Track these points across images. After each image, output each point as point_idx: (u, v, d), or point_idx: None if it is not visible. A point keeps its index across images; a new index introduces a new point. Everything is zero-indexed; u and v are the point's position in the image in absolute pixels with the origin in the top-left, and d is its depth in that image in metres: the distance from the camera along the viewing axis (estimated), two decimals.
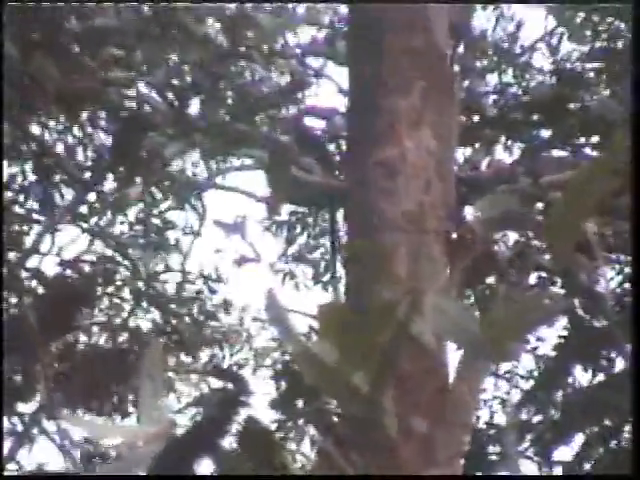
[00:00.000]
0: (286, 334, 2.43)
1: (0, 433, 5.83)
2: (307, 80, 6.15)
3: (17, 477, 7.07)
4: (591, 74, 6.45)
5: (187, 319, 9.85)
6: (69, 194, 8.99)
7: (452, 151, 3.56)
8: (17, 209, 8.89)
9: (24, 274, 8.15)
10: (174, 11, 4.85)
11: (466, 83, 6.47)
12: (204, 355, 10.63)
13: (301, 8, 7.89)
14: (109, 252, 9.53)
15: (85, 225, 9.24)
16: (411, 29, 3.44)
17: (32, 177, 8.92)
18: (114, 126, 6.18)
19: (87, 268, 9.09)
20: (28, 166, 8.90)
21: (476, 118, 6.06)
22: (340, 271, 9.04)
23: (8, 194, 8.89)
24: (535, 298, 2.39)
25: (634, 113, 2.84)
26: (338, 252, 8.76)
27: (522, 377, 8.37)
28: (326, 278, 10.36)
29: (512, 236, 5.46)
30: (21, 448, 8.75)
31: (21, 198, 8.97)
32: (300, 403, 7.35)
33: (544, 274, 6.13)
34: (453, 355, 3.06)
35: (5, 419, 8.61)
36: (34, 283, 8.12)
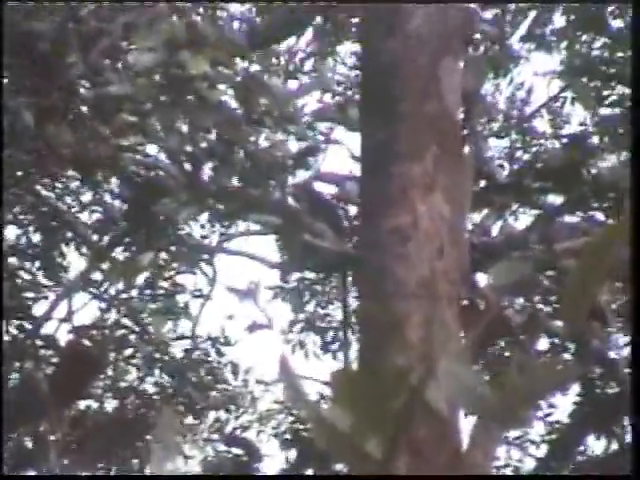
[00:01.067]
0: (299, 400, 2.42)
1: (0, 433, 5.78)
2: (318, 145, 6.19)
3: (17, 477, 6.99)
4: (595, 139, 6.49)
5: (194, 382, 9.82)
6: (79, 260, 9.03)
7: (465, 216, 3.57)
8: (25, 276, 8.91)
9: (38, 341, 8.15)
10: (188, 78, 4.89)
11: (475, 148, 6.50)
12: (210, 418, 10.58)
13: (312, 75, 7.97)
14: (120, 318, 9.53)
15: (96, 291, 9.25)
16: (424, 96, 3.47)
17: (38, 240, 8.96)
18: (127, 192, 6.22)
19: (98, 334, 9.09)
20: (36, 233, 8.95)
21: (486, 183, 6.09)
22: (351, 337, 9.03)
23: (14, 260, 8.93)
24: (548, 365, 2.38)
25: (634, 112, 2.85)
26: (349, 318, 8.75)
27: (534, 443, 8.31)
28: (335, 347, 10.34)
29: (521, 301, 5.45)
30: None
31: (28, 264, 9.01)
32: (311, 470, 7.30)
33: (556, 340, 6.11)
34: (466, 422, 3.04)
35: None
36: (46, 350, 8.12)
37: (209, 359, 10.16)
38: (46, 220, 8.61)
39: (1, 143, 4.96)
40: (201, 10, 6.92)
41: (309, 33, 8.28)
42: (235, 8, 7.80)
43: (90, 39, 4.86)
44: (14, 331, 8.28)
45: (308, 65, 8.38)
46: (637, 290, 2.49)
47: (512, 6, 7.53)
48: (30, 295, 8.79)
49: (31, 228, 8.96)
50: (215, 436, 10.37)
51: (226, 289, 4.57)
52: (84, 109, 5.06)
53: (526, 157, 7.18)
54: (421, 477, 2.85)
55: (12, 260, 8.97)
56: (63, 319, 8.53)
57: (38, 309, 8.85)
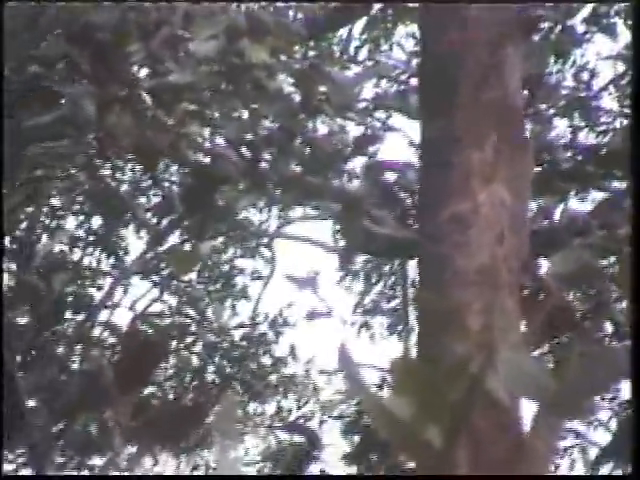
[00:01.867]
0: (359, 389, 2.42)
1: (1, 433, 5.85)
2: (378, 133, 6.17)
3: (17, 477, 7.07)
4: None
5: (254, 366, 9.87)
6: (138, 246, 9.11)
7: (526, 204, 3.54)
8: (87, 262, 9.01)
9: (98, 327, 8.25)
10: (247, 66, 4.91)
11: (538, 133, 6.44)
12: (271, 407, 10.64)
13: (369, 62, 7.95)
14: (180, 305, 9.61)
15: (155, 277, 9.33)
16: (484, 82, 3.44)
17: (98, 225, 9.05)
18: (187, 179, 6.26)
19: (158, 321, 9.18)
20: (96, 218, 9.04)
21: (548, 168, 6.03)
22: (413, 322, 9.00)
23: (76, 249, 9.03)
24: (611, 353, 2.36)
25: (634, 114, 2.81)
26: (410, 304, 8.73)
27: (601, 424, 8.23)
28: (401, 328, 10.33)
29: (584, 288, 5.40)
30: None
31: (90, 251, 9.11)
32: (374, 458, 7.30)
33: (620, 327, 6.04)
34: (528, 410, 3.02)
35: (75, 473, 8.66)
36: (102, 334, 8.21)
37: (268, 341, 10.21)
38: (107, 205, 8.69)
39: (1, 142, 5.02)
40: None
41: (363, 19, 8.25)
42: None
43: (151, 28, 4.89)
44: (74, 317, 8.39)
45: (363, 52, 8.36)
46: (637, 292, 2.45)
47: None
48: (90, 282, 8.90)
49: (90, 212, 9.05)
50: (277, 425, 10.42)
51: (285, 277, 4.59)
52: (145, 98, 5.09)
53: (591, 138, 7.10)
54: (432, 477, 2.84)
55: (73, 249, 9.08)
56: (121, 305, 8.62)
57: (97, 295, 8.97)
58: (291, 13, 6.84)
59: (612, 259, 5.72)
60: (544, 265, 4.41)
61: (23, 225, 8.41)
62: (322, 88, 5.22)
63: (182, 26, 4.90)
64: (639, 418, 2.25)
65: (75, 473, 8.34)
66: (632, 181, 2.32)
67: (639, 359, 2.29)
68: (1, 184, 5.17)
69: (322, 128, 6.02)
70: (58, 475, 7.14)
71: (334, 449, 9.20)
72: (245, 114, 5.41)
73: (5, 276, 8.32)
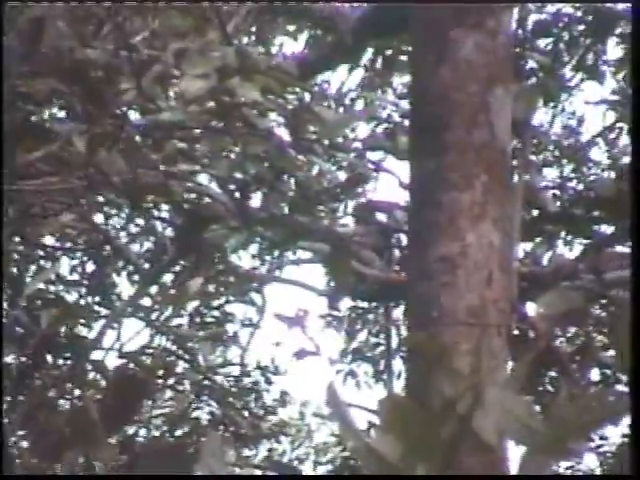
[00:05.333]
0: (346, 429, 2.41)
1: (1, 431, 5.80)
2: (367, 174, 6.20)
3: (17, 477, 7.00)
4: None
5: (245, 412, 9.83)
6: (128, 287, 9.09)
7: (514, 246, 3.55)
8: (76, 301, 8.99)
9: (87, 367, 8.20)
10: (237, 105, 4.93)
11: (526, 177, 6.47)
12: (263, 449, 10.58)
13: (360, 104, 8.00)
14: (169, 344, 9.58)
15: (147, 318, 9.31)
16: (474, 124, 3.46)
17: (90, 268, 9.05)
18: (176, 218, 6.27)
19: (148, 360, 9.14)
20: (88, 262, 9.04)
21: (536, 213, 6.06)
22: (397, 367, 8.99)
23: (63, 288, 9.01)
24: (598, 396, 2.36)
25: (634, 114, 2.82)
26: (396, 348, 8.71)
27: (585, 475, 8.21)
28: (385, 376, 10.32)
29: (572, 330, 5.41)
30: None
31: (81, 290, 9.09)
32: None
33: (608, 371, 6.05)
34: (514, 452, 3.01)
35: None
36: (95, 376, 8.17)
37: (258, 388, 10.17)
38: (98, 248, 8.70)
39: (1, 141, 5.01)
40: (252, 38, 6.97)
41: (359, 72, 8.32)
42: (285, 38, 7.86)
43: (142, 66, 4.92)
44: (62, 359, 8.35)
45: (357, 94, 8.42)
46: (637, 293, 2.46)
47: (566, 35, 7.50)
48: (81, 321, 8.87)
49: (80, 254, 9.05)
50: (267, 467, 10.37)
51: (274, 316, 4.59)
52: (135, 136, 5.11)
53: (579, 187, 7.15)
54: (426, 477, 2.82)
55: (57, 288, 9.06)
56: (112, 347, 8.59)
57: (89, 335, 8.93)
58: (282, 52, 6.89)
59: (599, 303, 5.74)
60: (532, 308, 4.42)
61: (12, 262, 8.39)
62: (312, 128, 5.25)
63: (174, 64, 4.92)
64: (639, 419, 2.24)
65: None
66: (632, 183, 2.33)
67: (639, 360, 2.29)
68: (1, 183, 5.16)
69: (312, 168, 6.05)
70: (58, 475, 7.08)
71: None
72: (235, 153, 5.43)
73: None
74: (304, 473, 9.62)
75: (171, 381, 9.41)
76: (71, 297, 9.08)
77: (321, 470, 10.54)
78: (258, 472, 10.26)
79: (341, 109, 7.77)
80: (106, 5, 5.00)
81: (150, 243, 8.75)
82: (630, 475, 2.29)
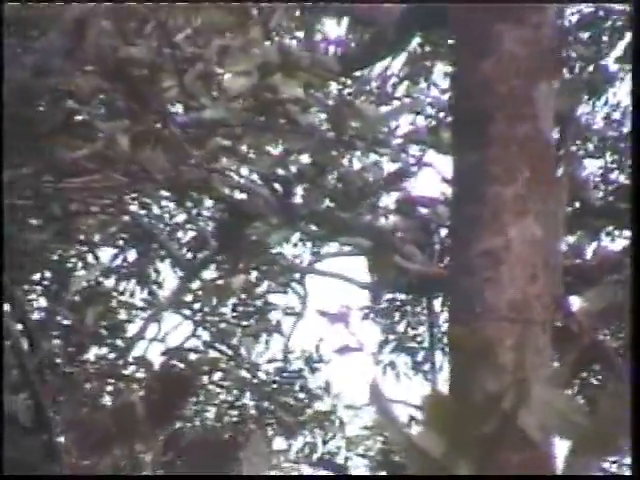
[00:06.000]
0: (390, 425, 2.41)
1: (1, 430, 5.85)
2: (409, 169, 6.19)
3: (17, 477, 7.04)
4: None
5: (286, 404, 9.86)
6: (173, 280, 9.14)
7: (558, 241, 3.53)
8: (122, 297, 9.04)
9: (131, 361, 8.26)
10: (280, 101, 4.94)
11: (569, 170, 6.44)
12: (300, 442, 10.61)
13: (404, 98, 7.98)
14: (211, 339, 9.62)
15: (188, 312, 9.35)
16: (517, 118, 3.44)
17: (133, 259, 9.10)
18: (219, 214, 6.29)
19: (191, 356, 9.18)
20: (131, 251, 9.09)
21: (580, 206, 6.01)
22: (439, 360, 8.97)
23: (111, 281, 9.07)
24: None
25: (634, 115, 2.80)
26: (438, 341, 8.69)
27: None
28: (426, 367, 10.30)
29: (617, 324, 5.36)
30: None
31: (124, 285, 9.14)
32: None
33: None
34: (560, 448, 2.99)
35: None
36: (140, 371, 8.22)
37: (302, 377, 10.19)
38: (141, 240, 8.75)
39: (1, 141, 5.05)
40: (295, 34, 6.97)
41: (402, 56, 8.28)
42: (328, 31, 7.84)
43: (185, 64, 4.94)
44: (105, 351, 8.40)
45: (401, 89, 8.39)
46: (637, 294, 2.43)
47: (608, 26, 7.44)
48: (123, 316, 8.92)
49: (125, 246, 9.10)
50: (304, 460, 10.39)
51: (317, 312, 4.59)
52: (178, 133, 5.13)
53: (622, 178, 7.09)
54: (431, 477, 2.81)
55: (107, 281, 9.12)
56: (153, 339, 8.64)
57: (132, 329, 9.00)
58: (327, 48, 6.88)
59: None
60: (576, 302, 4.39)
61: (55, 258, 8.47)
62: (354, 123, 5.24)
63: (216, 62, 4.94)
64: (639, 418, 2.23)
65: None
66: (632, 180, 2.32)
67: (639, 360, 2.28)
68: (1, 182, 5.19)
69: (355, 164, 6.05)
70: (58, 475, 7.13)
71: None
72: (277, 149, 5.44)
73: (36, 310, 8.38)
74: (340, 466, 9.64)
75: (216, 377, 9.44)
76: (112, 289, 9.12)
77: (352, 464, 10.54)
78: (298, 467, 10.29)
79: (382, 104, 7.74)
80: (149, 3, 5.03)
81: (191, 238, 8.78)
82: (630, 475, 2.28)
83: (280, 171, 5.33)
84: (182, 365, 8.28)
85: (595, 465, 2.61)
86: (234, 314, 9.74)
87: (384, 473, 7.31)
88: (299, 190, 5.48)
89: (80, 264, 8.72)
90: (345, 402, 11.01)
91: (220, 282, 8.62)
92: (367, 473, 9.93)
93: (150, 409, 3.13)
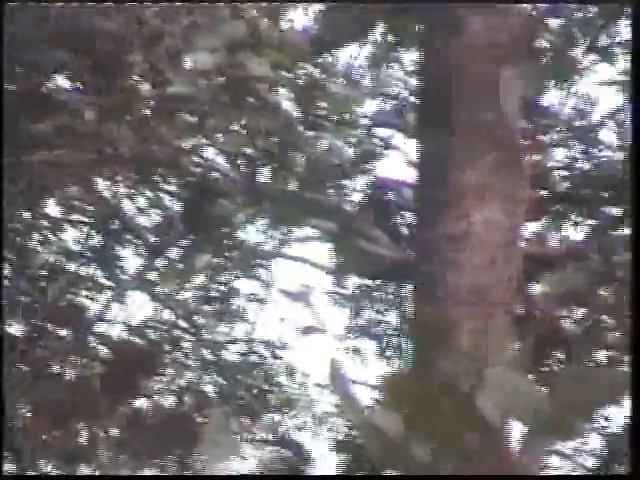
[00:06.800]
0: (348, 404, 2.42)
1: (1, 432, 5.83)
2: (376, 151, 6.18)
3: (17, 477, 7.03)
4: None
5: (249, 385, 9.87)
6: (135, 260, 9.09)
7: (520, 225, 3.54)
8: (83, 273, 8.99)
9: (92, 339, 8.22)
10: (247, 79, 4.91)
11: (534, 158, 6.46)
12: (267, 420, 10.64)
13: (369, 80, 7.97)
14: (175, 318, 9.60)
15: (152, 292, 9.32)
16: (482, 103, 3.45)
17: (97, 241, 9.05)
18: (184, 192, 6.26)
19: (153, 334, 9.16)
20: (96, 235, 9.03)
21: (545, 193, 6.04)
22: (405, 346, 8.99)
23: (74, 260, 9.01)
24: (602, 376, 2.36)
25: (634, 114, 2.82)
26: (405, 325, 8.72)
27: (589, 456, 8.23)
28: (390, 353, 10.33)
29: (580, 312, 5.40)
30: None
31: (87, 263, 9.09)
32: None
33: (614, 353, 6.04)
34: (517, 429, 3.01)
35: None
36: (101, 348, 8.18)
37: (264, 362, 10.21)
38: (106, 221, 8.69)
39: (1, 141, 5.02)
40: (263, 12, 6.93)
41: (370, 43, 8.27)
42: (298, 13, 7.81)
43: (153, 39, 4.90)
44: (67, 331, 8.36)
45: (369, 74, 8.38)
46: (637, 291, 2.45)
47: (579, 17, 7.45)
48: (86, 294, 8.88)
49: (87, 228, 9.05)
50: (270, 437, 10.42)
51: (279, 292, 4.59)
52: (145, 109, 5.10)
53: (587, 167, 7.11)
54: (421, 477, 2.83)
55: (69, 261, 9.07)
56: (115, 318, 8.62)
57: (94, 308, 8.96)
58: (294, 27, 6.84)
59: (606, 285, 5.72)
60: (537, 288, 4.42)
61: (19, 233, 8.40)
62: (322, 103, 5.23)
63: (184, 38, 4.90)
64: (638, 418, 2.25)
65: None
66: (632, 180, 2.33)
67: (638, 362, 2.30)
68: (1, 183, 5.16)
69: (321, 144, 6.02)
70: (58, 475, 7.12)
71: (326, 463, 9.21)
72: (244, 128, 5.41)
73: None
74: (304, 442, 9.68)
75: (177, 355, 9.43)
76: (77, 269, 9.07)
77: (320, 440, 10.60)
78: (263, 446, 10.30)
79: (350, 85, 7.72)
80: None
81: (158, 217, 8.75)
82: (630, 475, 2.30)
83: (246, 150, 5.31)
84: (143, 342, 8.25)
85: (550, 446, 2.62)
86: (197, 299, 9.73)
87: (345, 453, 7.33)
88: (265, 170, 5.46)
89: (42, 242, 8.66)
90: (314, 381, 11.07)
91: (184, 263, 8.60)
92: (331, 452, 9.95)
93: (109, 384, 3.13)
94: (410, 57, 8.52)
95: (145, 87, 5.14)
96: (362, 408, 2.39)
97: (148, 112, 5.02)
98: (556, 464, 8.62)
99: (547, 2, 6.82)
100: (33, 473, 6.50)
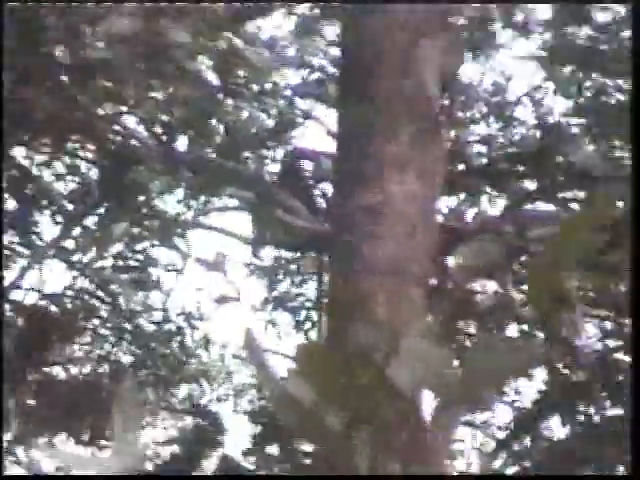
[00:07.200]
0: (262, 372, 2.42)
1: (0, 435, 5.77)
2: (295, 121, 6.17)
3: (17, 477, 6.98)
4: (575, 129, 6.49)
5: (164, 355, 9.84)
6: (52, 228, 8.98)
7: (437, 198, 3.57)
8: None
9: (6, 306, 8.12)
10: (166, 46, 4.87)
11: (453, 133, 6.50)
12: (183, 390, 10.62)
13: (292, 49, 7.96)
14: (91, 287, 9.51)
15: (68, 260, 9.22)
16: (401, 75, 3.46)
17: (12, 207, 8.92)
18: (101, 159, 6.19)
19: (69, 303, 9.07)
20: (11, 200, 8.90)
21: (462, 167, 6.09)
22: (322, 319, 9.02)
23: None
24: (513, 347, 2.39)
25: (634, 114, 2.86)
26: (322, 297, 8.74)
27: (499, 428, 8.36)
28: (307, 326, 10.36)
29: (493, 286, 5.47)
30: None
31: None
32: (274, 449, 7.30)
33: (525, 327, 6.13)
34: (429, 401, 3.04)
35: None
36: (14, 315, 8.09)
37: (180, 333, 10.17)
38: (21, 187, 8.56)
39: (1, 141, 4.94)
40: None
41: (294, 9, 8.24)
42: None
43: (69, 2, 4.83)
44: None
45: (290, 40, 8.36)
46: (637, 289, 2.49)
47: None
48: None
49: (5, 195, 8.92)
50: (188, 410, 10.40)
51: (195, 260, 4.58)
52: (61, 74, 5.02)
53: (501, 142, 7.19)
54: (418, 477, 2.86)
55: None
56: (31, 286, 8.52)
57: (9, 276, 8.84)
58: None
59: (520, 260, 5.80)
60: (452, 261, 4.46)
61: None
62: (242, 72, 5.21)
63: (102, 1, 4.84)
64: (639, 418, 2.29)
65: None
66: (632, 180, 2.37)
67: (639, 358, 2.33)
68: (1, 184, 5.07)
69: (241, 113, 5.99)
70: (58, 475, 7.07)
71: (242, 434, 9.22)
72: (162, 95, 5.37)
73: None
74: (222, 414, 9.71)
75: (93, 324, 9.35)
76: None
77: (240, 411, 10.63)
78: (179, 416, 10.30)
79: (271, 55, 7.69)
80: None
81: (75, 184, 8.65)
82: (630, 475, 2.34)
83: (164, 117, 5.27)
84: (57, 310, 8.17)
85: (460, 417, 2.65)
86: (114, 269, 9.65)
87: (259, 423, 7.35)
88: (183, 138, 5.43)
89: None
90: (232, 352, 11.06)
91: (101, 231, 8.51)
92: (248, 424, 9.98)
93: (19, 351, 3.09)
94: (332, 29, 8.52)
95: (62, 52, 5.07)
96: (276, 377, 2.39)
97: (65, 78, 4.95)
98: (467, 435, 8.78)
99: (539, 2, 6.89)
100: None
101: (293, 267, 10.32)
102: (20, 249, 9.02)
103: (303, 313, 10.45)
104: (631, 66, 3.28)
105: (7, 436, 7.58)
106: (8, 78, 4.99)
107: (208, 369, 10.72)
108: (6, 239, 9.00)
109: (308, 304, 10.27)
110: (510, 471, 5.53)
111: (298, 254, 9.34)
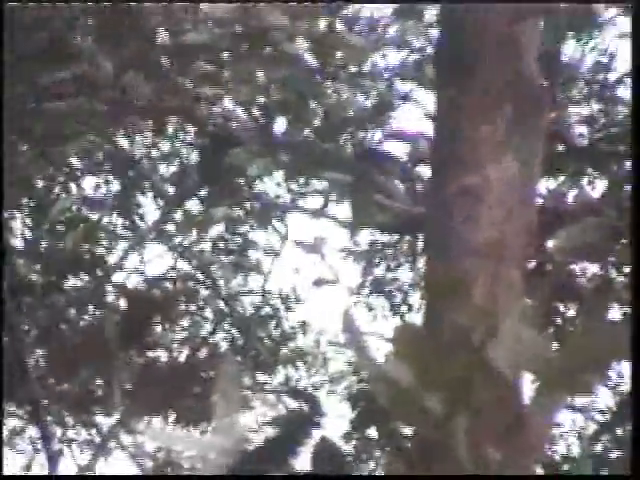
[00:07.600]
0: (361, 355, 2.43)
1: (0, 434, 5.91)
2: (393, 103, 6.14)
3: (17, 477, 7.12)
4: None
5: (263, 338, 9.92)
6: (154, 212, 9.12)
7: (536, 180, 3.53)
8: (104, 224, 9.03)
9: (109, 289, 8.27)
10: (265, 29, 4.89)
11: (554, 113, 6.41)
12: (280, 376, 10.68)
13: (391, 30, 7.92)
14: (191, 270, 9.64)
15: (170, 243, 9.36)
16: (501, 56, 3.43)
17: (116, 190, 9.07)
18: (200, 142, 6.25)
19: (170, 285, 9.21)
20: (114, 183, 9.06)
21: (562, 149, 6.01)
22: (417, 302, 8.99)
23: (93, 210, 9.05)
24: (615, 330, 2.36)
25: (634, 114, 2.81)
26: (419, 280, 8.72)
27: (602, 412, 8.24)
28: (404, 310, 10.34)
29: (593, 268, 5.39)
30: (98, 460, 8.86)
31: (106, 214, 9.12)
32: (373, 431, 7.31)
33: (627, 309, 6.03)
34: (528, 383, 3.02)
35: (83, 431, 8.72)
36: (117, 298, 8.24)
37: (277, 315, 10.24)
38: (124, 170, 8.71)
39: (1, 141, 5.03)
40: None
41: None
42: None
43: None
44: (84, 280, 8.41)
45: (389, 22, 8.31)
46: (637, 287, 2.45)
47: None
48: (104, 244, 8.92)
49: (109, 178, 9.08)
50: (284, 392, 10.46)
51: (294, 243, 4.60)
52: (162, 59, 5.09)
53: (603, 122, 7.07)
54: (418, 477, 2.86)
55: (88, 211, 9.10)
56: (133, 269, 8.66)
57: (112, 259, 9.01)
58: None
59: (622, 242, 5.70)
60: (552, 243, 4.41)
61: (39, 183, 8.43)
62: (339, 54, 5.20)
63: None
64: (638, 418, 2.26)
65: (76, 431, 8.43)
66: (632, 181, 2.33)
67: (638, 362, 2.30)
68: (1, 185, 5.18)
69: (339, 95, 5.98)
70: (58, 475, 7.20)
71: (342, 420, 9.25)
72: (260, 78, 5.39)
73: (19, 232, 8.37)
74: (319, 400, 9.72)
75: (193, 307, 9.47)
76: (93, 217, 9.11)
77: (335, 398, 10.63)
78: (273, 398, 10.37)
79: (369, 36, 7.66)
80: None
81: (175, 167, 8.75)
82: (630, 475, 2.31)
83: (262, 99, 5.29)
84: (158, 293, 8.30)
85: (562, 403, 2.62)
86: (214, 252, 9.76)
87: (357, 406, 7.36)
88: (281, 120, 5.44)
89: (62, 191, 8.69)
90: (328, 339, 11.09)
91: (201, 214, 8.61)
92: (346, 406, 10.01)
93: (121, 332, 3.15)
94: (431, 11, 8.46)
95: (162, 36, 5.13)
96: (374, 359, 2.40)
97: (165, 61, 5.01)
98: (567, 419, 8.67)
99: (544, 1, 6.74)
100: (50, 418, 6.57)
101: (389, 251, 10.31)
102: (122, 232, 9.18)
103: (399, 297, 10.43)
104: (631, 65, 3.21)
105: (111, 420, 7.73)
106: (109, 64, 5.07)
107: (305, 353, 10.77)
108: (108, 221, 9.17)
109: (405, 288, 10.26)
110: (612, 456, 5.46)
111: (394, 238, 9.33)
